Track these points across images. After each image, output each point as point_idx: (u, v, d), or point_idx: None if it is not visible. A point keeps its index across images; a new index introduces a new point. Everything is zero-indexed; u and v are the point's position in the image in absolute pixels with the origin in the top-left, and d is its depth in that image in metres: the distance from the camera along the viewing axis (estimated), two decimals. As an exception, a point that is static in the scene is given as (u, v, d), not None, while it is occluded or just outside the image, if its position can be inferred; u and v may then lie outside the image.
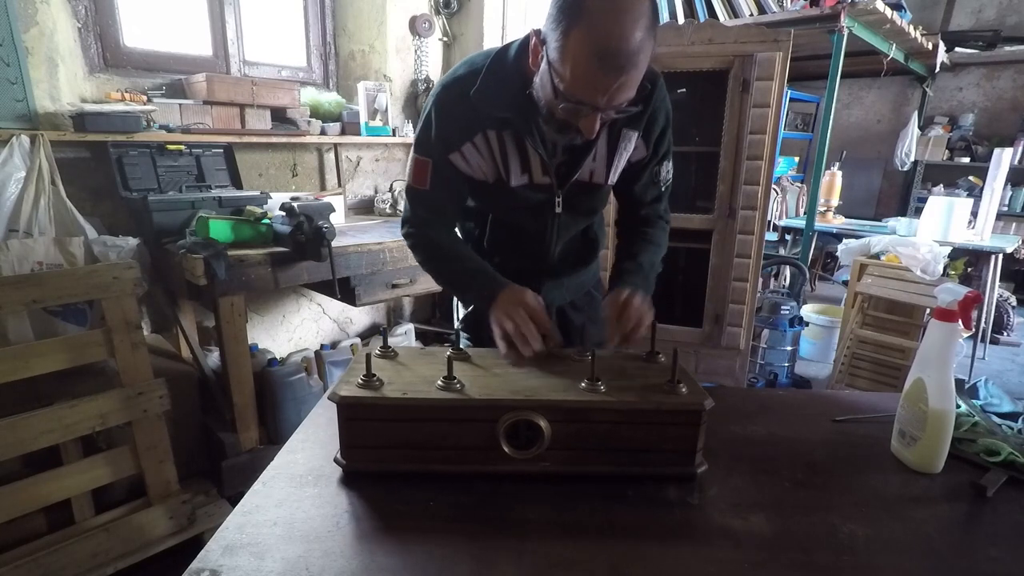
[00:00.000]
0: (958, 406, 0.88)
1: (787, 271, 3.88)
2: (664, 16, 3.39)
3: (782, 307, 3.07)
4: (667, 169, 1.13)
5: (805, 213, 3.61)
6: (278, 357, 2.33)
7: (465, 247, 1.14)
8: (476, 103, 0.95)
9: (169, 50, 2.34)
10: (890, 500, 0.80)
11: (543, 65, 0.87)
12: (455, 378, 0.81)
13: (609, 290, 1.06)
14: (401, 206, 2.76)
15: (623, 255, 1.14)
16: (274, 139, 2.44)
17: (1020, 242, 3.65)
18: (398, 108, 2.96)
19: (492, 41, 3.01)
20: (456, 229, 1.23)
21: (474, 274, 1.05)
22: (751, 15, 3.30)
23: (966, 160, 5.25)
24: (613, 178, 1.09)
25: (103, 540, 1.59)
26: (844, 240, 3.13)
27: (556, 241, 1.16)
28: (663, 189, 1.15)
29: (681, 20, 3.22)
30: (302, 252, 1.84)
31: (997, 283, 3.70)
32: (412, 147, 1.09)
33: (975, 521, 0.77)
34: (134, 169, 2.01)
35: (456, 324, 1.38)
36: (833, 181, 3.82)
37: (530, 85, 0.92)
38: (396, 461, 0.81)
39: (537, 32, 0.88)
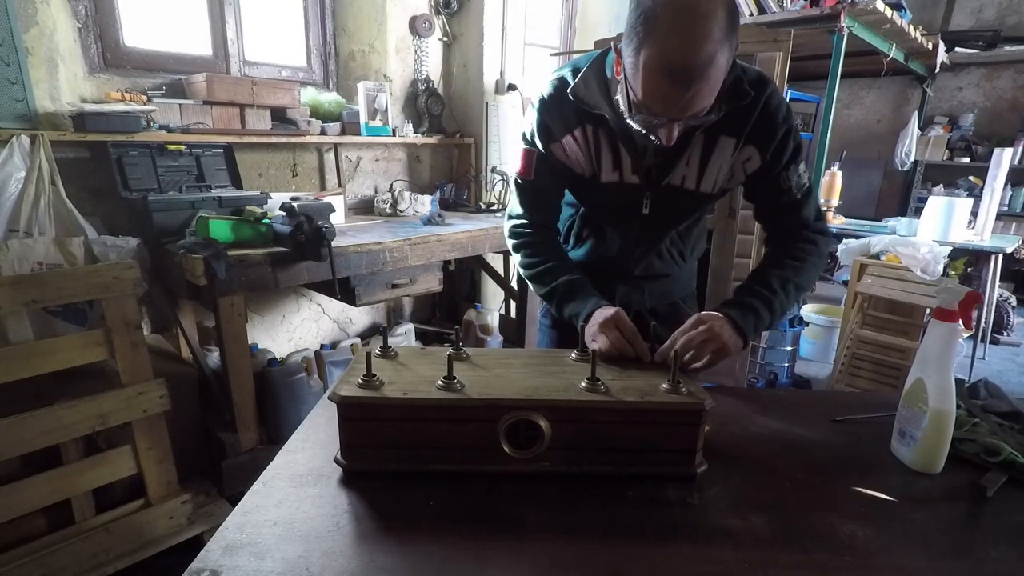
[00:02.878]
0: (958, 406, 0.88)
1: (787, 271, 3.87)
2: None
3: (782, 307, 3.06)
4: (797, 174, 1.07)
5: (805, 213, 3.60)
6: (278, 357, 2.33)
7: (566, 257, 1.18)
8: (574, 99, 1.01)
9: (169, 50, 2.34)
10: (890, 500, 0.80)
11: (621, 76, 0.90)
12: (455, 378, 0.80)
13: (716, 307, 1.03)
14: (402, 206, 2.77)
15: (754, 275, 1.09)
16: (274, 139, 2.44)
17: (1020, 242, 3.65)
18: (398, 108, 2.96)
19: (492, 41, 3.01)
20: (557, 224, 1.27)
21: (571, 292, 1.09)
22: (751, 15, 3.30)
23: (966, 160, 5.25)
24: (707, 186, 1.08)
25: (103, 540, 1.59)
26: (844, 240, 3.13)
27: (639, 243, 1.19)
28: (798, 196, 1.08)
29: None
30: (302, 252, 1.84)
31: (997, 283, 3.70)
32: (520, 143, 1.15)
33: (975, 521, 0.77)
34: (134, 169, 2.01)
35: (539, 311, 1.42)
36: (833, 181, 3.82)
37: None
38: (396, 461, 0.81)
39: (617, 45, 0.90)
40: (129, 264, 1.61)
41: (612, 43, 0.93)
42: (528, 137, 1.12)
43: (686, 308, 1.34)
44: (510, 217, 1.21)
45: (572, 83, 1.01)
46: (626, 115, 0.93)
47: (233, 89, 2.23)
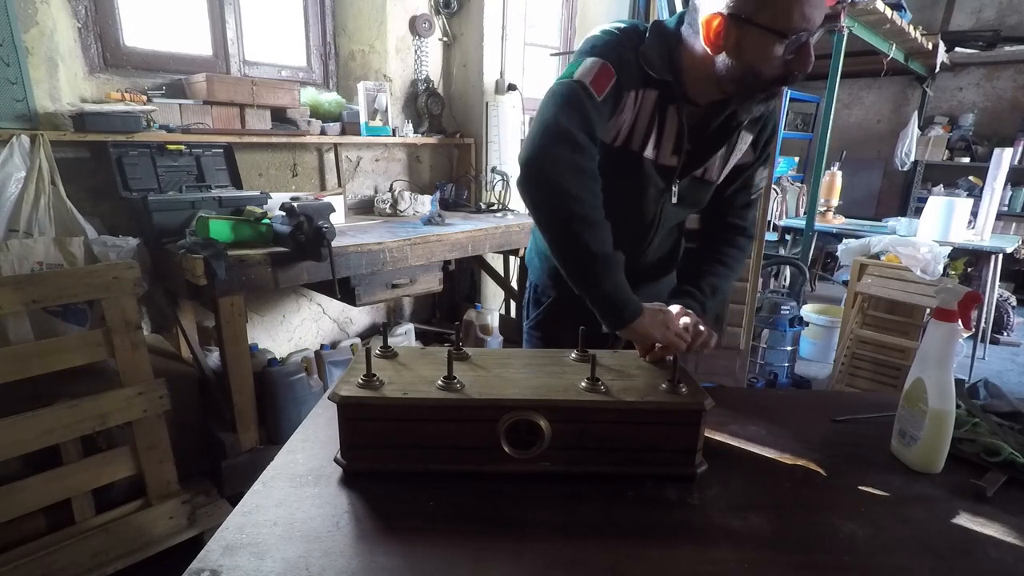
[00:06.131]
0: (958, 406, 0.88)
1: (787, 271, 3.88)
2: (664, 15, 3.39)
3: (782, 307, 3.07)
4: (762, 176, 1.14)
5: (805, 213, 3.62)
6: (278, 357, 2.33)
7: (610, 236, 0.94)
8: (641, 58, 0.96)
9: (169, 50, 2.34)
10: (890, 500, 0.80)
11: (737, 37, 0.88)
12: (455, 378, 0.80)
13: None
14: (402, 205, 2.77)
15: (688, 276, 1.13)
16: (274, 139, 2.44)
17: (1020, 242, 3.65)
18: (398, 108, 2.96)
19: (492, 41, 3.01)
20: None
21: (615, 289, 0.94)
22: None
23: (966, 160, 5.26)
24: (722, 176, 1.11)
25: (103, 540, 1.59)
26: (844, 240, 3.13)
27: (656, 236, 1.16)
28: (753, 197, 1.16)
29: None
30: (302, 252, 1.84)
31: (997, 283, 3.70)
32: (596, 55, 0.93)
33: (975, 521, 0.77)
34: (134, 169, 2.01)
35: (524, 324, 1.35)
36: (833, 181, 3.83)
37: (682, 59, 0.97)
38: (396, 461, 0.81)
39: (716, 14, 0.88)
40: (129, 264, 1.61)
41: (708, 15, 0.89)
42: (610, 55, 0.93)
43: None
44: (570, 128, 0.88)
45: (643, 41, 0.96)
46: (748, 76, 0.90)
47: (233, 89, 2.23)
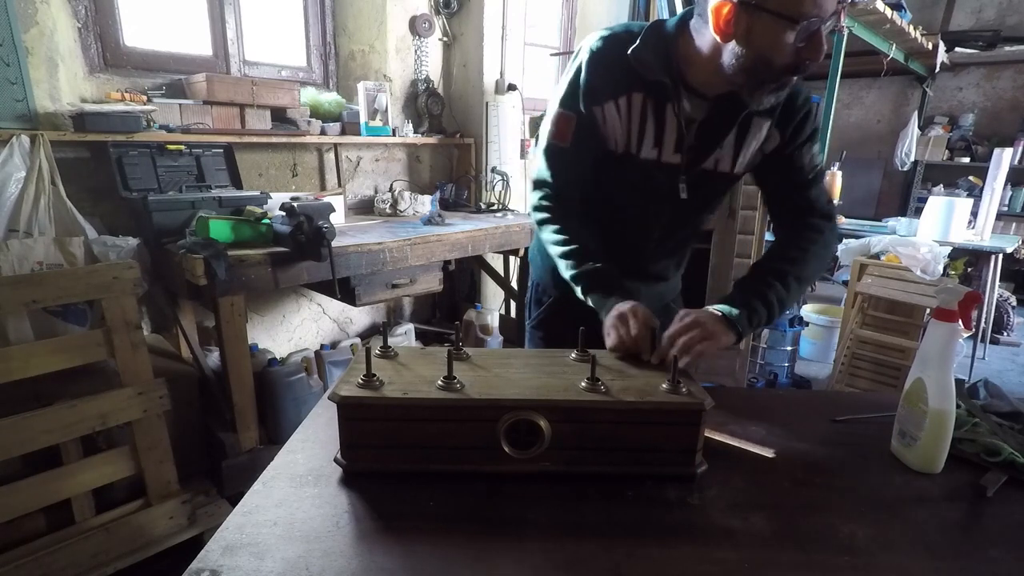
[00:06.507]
0: (958, 406, 0.88)
1: (787, 271, 3.88)
2: (664, 14, 3.39)
3: (782, 307, 3.06)
4: (811, 154, 1.09)
5: (805, 213, 3.61)
6: (278, 357, 2.33)
7: (591, 238, 1.11)
8: (633, 61, 0.97)
9: (169, 50, 2.34)
10: (890, 500, 0.80)
11: (747, 24, 0.87)
12: (455, 378, 0.80)
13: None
14: (402, 206, 2.77)
15: (756, 267, 1.10)
16: (274, 139, 2.44)
17: (1020, 242, 3.65)
18: (398, 108, 2.96)
19: (492, 41, 3.01)
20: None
21: (596, 282, 1.05)
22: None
23: (966, 160, 5.26)
24: (740, 167, 1.09)
25: (103, 540, 1.59)
26: (844, 240, 3.13)
27: (663, 236, 1.15)
28: (810, 176, 1.09)
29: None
30: (302, 252, 1.84)
31: (997, 283, 3.70)
32: (556, 105, 1.07)
33: (975, 521, 0.77)
34: (134, 169, 2.01)
35: (526, 323, 1.37)
36: (833, 181, 3.82)
37: (680, 60, 0.97)
38: (396, 461, 0.81)
39: (726, 1, 0.87)
40: (129, 264, 1.61)
41: (717, 3, 0.88)
42: (566, 101, 1.05)
43: (676, 310, 1.33)
44: (536, 187, 1.12)
45: (631, 45, 0.97)
46: (758, 64, 0.89)
47: (233, 89, 2.23)
